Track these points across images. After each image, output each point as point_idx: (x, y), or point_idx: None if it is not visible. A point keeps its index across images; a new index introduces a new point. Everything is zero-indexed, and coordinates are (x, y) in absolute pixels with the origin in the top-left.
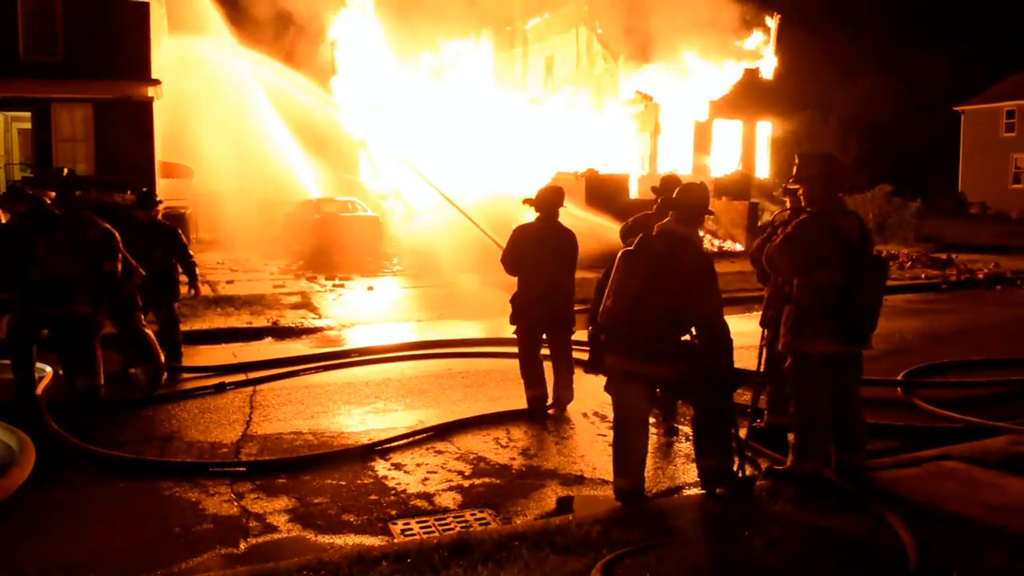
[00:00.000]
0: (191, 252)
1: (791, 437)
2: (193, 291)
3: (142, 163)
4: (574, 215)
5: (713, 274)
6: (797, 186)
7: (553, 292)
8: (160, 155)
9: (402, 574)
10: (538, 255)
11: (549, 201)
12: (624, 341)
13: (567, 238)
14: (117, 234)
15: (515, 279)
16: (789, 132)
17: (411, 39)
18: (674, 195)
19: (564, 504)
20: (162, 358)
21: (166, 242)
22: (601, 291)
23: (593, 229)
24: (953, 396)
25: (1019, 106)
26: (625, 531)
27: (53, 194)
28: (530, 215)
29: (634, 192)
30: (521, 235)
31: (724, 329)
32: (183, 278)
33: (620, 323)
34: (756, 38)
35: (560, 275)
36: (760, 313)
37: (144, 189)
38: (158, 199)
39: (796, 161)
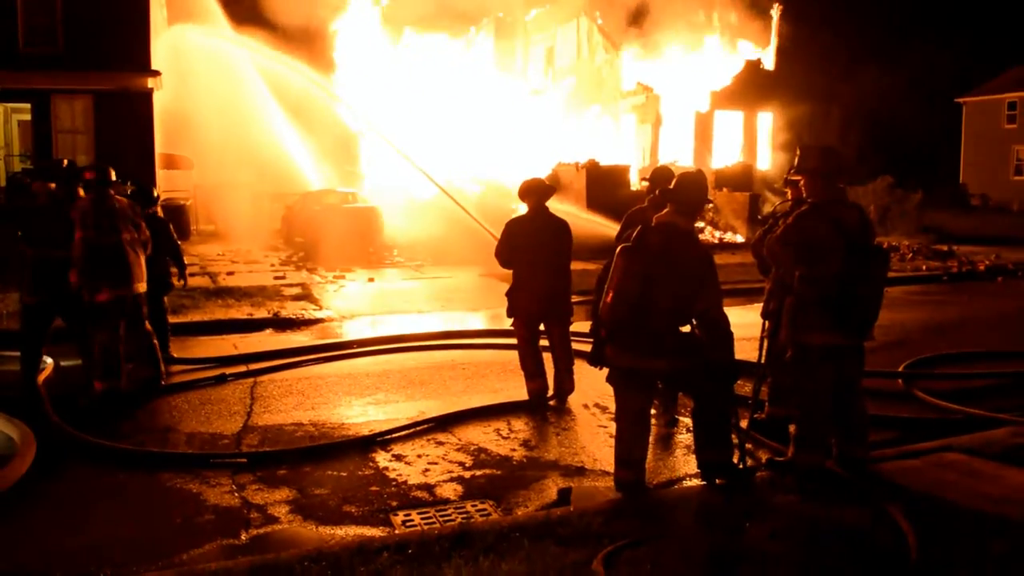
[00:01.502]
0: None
1: (792, 428)
2: (183, 281)
3: (142, 154)
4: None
5: (713, 267)
6: (798, 177)
7: (549, 283)
8: (160, 146)
9: (403, 565)
10: (532, 247)
11: (535, 192)
12: (625, 335)
13: (560, 228)
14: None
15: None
16: (790, 123)
17: (412, 29)
18: (672, 186)
19: (565, 495)
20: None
21: (160, 235)
22: (602, 284)
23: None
24: (954, 388)
25: (1021, 98)
26: (626, 522)
27: (53, 185)
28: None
29: (635, 184)
30: (513, 228)
31: (724, 321)
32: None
33: (620, 318)
34: (757, 29)
35: (555, 266)
36: (761, 305)
37: (139, 184)
38: (156, 194)
39: (797, 153)
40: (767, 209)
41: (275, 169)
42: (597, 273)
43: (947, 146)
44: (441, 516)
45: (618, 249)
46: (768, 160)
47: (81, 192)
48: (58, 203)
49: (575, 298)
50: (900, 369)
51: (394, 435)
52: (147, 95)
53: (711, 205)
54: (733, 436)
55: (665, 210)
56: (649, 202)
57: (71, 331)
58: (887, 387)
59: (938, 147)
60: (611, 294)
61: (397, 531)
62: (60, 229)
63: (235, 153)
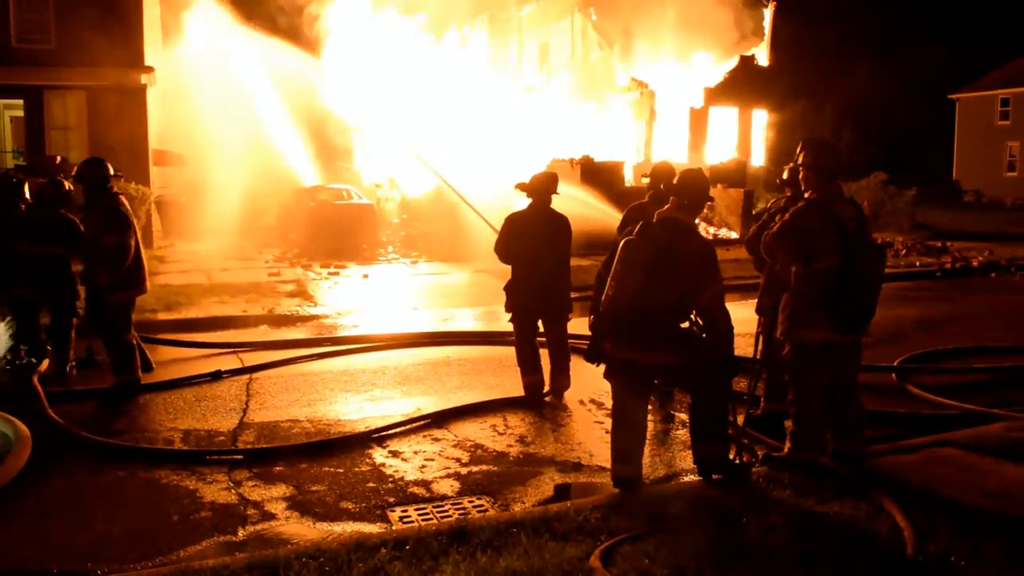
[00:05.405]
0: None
1: (788, 424)
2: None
3: (136, 151)
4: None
5: (715, 261)
6: (794, 173)
7: (548, 278)
8: (154, 143)
9: (401, 561)
10: (531, 242)
11: (542, 187)
12: (626, 329)
13: (560, 223)
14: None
15: (510, 266)
16: (785, 120)
17: (406, 25)
18: (675, 182)
19: (562, 491)
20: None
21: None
22: (602, 281)
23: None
24: (948, 383)
25: (1014, 94)
26: (623, 518)
27: (40, 181)
28: (524, 202)
29: (629, 179)
30: (513, 222)
31: (726, 316)
32: None
33: (623, 311)
34: (752, 25)
35: (554, 261)
36: (756, 300)
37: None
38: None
39: (799, 149)
40: (761, 205)
41: (269, 166)
42: (592, 268)
43: (940, 142)
44: (438, 512)
45: (621, 243)
46: (762, 156)
47: (68, 185)
48: (47, 201)
49: (573, 294)
50: (894, 364)
51: (390, 431)
52: (140, 91)
53: (711, 202)
54: (729, 432)
55: (667, 205)
56: (650, 197)
57: (56, 326)
58: (881, 382)
59: (931, 143)
60: (613, 287)
61: (394, 527)
62: (49, 224)
63: (229, 150)
